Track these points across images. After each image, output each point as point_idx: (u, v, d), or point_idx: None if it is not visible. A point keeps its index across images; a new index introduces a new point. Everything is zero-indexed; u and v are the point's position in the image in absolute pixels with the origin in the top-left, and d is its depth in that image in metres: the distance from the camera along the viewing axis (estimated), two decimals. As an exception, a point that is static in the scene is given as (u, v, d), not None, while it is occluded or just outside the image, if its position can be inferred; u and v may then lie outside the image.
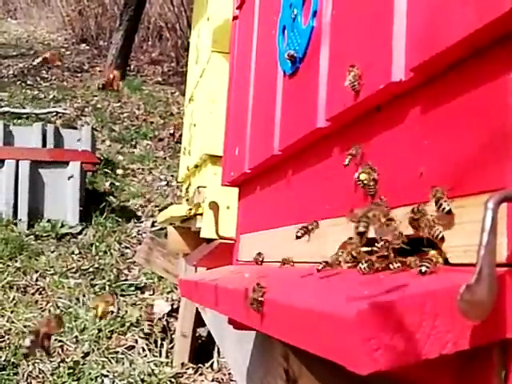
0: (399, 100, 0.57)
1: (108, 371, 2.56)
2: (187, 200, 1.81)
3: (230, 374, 2.63)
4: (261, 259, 0.97)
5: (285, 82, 0.89)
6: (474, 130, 0.45)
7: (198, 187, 1.76)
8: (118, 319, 2.90)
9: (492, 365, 0.39)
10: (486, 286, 0.35)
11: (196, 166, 1.96)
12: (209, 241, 1.67)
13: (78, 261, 3.51)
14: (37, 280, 3.26)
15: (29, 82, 6.49)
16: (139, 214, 4.31)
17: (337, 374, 0.72)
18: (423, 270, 0.45)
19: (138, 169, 5.01)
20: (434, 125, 0.51)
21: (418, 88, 0.53)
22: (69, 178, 3.82)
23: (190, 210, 1.70)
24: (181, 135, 2.60)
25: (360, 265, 0.52)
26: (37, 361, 2.57)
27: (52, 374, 2.50)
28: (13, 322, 2.81)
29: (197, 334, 2.79)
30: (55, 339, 2.69)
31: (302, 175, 0.84)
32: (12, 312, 2.90)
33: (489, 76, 0.44)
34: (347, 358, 0.37)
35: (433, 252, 0.47)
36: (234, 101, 1.25)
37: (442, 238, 0.47)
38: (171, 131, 5.26)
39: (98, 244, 3.68)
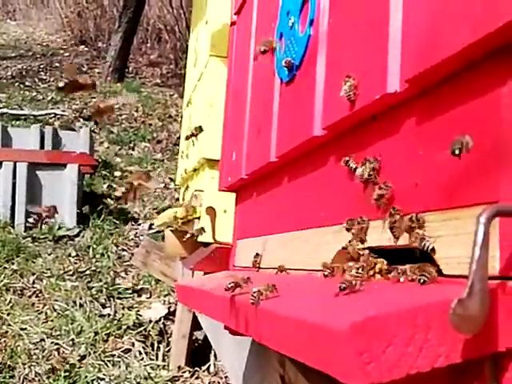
0: (395, 110, 0.57)
1: (104, 374, 2.55)
2: (180, 204, 1.81)
3: (226, 377, 2.62)
4: (258, 261, 0.97)
5: (281, 89, 0.89)
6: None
7: (195, 191, 1.76)
8: (115, 322, 2.90)
9: (484, 378, 0.39)
10: (478, 301, 0.35)
11: (194, 170, 1.96)
12: (206, 245, 1.67)
13: (75, 263, 3.50)
14: (33, 282, 3.25)
15: (27, 84, 6.49)
16: (136, 216, 4.31)
17: (332, 381, 0.72)
18: (422, 281, 0.45)
19: (136, 171, 5.00)
20: (429, 136, 0.51)
21: (413, 99, 0.54)
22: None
23: (187, 213, 1.70)
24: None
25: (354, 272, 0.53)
26: (33, 363, 2.56)
27: (48, 377, 2.50)
28: (9, 325, 2.80)
29: (193, 337, 2.79)
30: (51, 342, 2.69)
31: (298, 182, 0.84)
32: (8, 314, 2.89)
33: (482, 89, 0.44)
34: (340, 370, 0.37)
35: (428, 263, 0.47)
36: (232, 106, 1.25)
37: (433, 250, 0.47)
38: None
39: (95, 246, 3.68)
